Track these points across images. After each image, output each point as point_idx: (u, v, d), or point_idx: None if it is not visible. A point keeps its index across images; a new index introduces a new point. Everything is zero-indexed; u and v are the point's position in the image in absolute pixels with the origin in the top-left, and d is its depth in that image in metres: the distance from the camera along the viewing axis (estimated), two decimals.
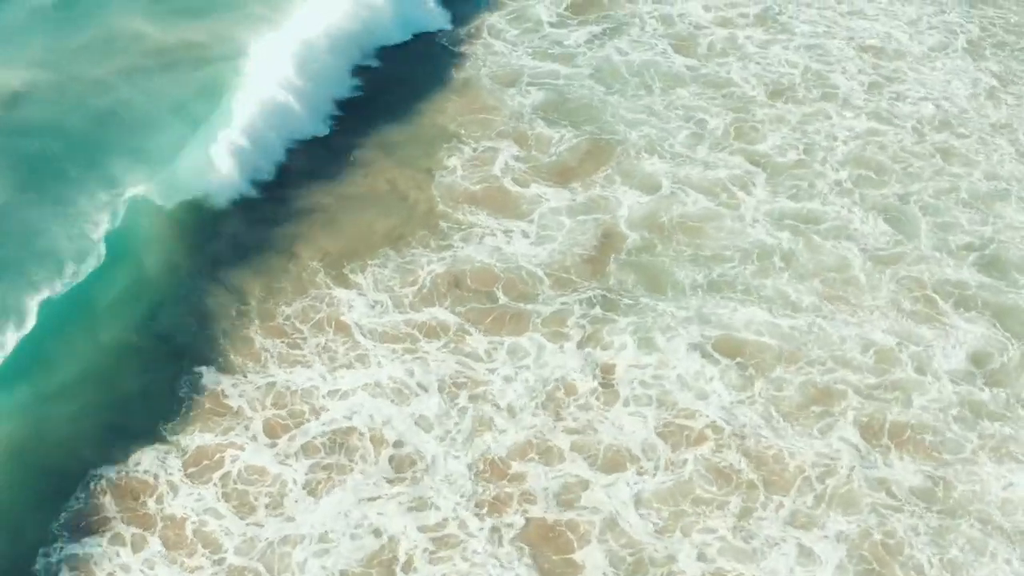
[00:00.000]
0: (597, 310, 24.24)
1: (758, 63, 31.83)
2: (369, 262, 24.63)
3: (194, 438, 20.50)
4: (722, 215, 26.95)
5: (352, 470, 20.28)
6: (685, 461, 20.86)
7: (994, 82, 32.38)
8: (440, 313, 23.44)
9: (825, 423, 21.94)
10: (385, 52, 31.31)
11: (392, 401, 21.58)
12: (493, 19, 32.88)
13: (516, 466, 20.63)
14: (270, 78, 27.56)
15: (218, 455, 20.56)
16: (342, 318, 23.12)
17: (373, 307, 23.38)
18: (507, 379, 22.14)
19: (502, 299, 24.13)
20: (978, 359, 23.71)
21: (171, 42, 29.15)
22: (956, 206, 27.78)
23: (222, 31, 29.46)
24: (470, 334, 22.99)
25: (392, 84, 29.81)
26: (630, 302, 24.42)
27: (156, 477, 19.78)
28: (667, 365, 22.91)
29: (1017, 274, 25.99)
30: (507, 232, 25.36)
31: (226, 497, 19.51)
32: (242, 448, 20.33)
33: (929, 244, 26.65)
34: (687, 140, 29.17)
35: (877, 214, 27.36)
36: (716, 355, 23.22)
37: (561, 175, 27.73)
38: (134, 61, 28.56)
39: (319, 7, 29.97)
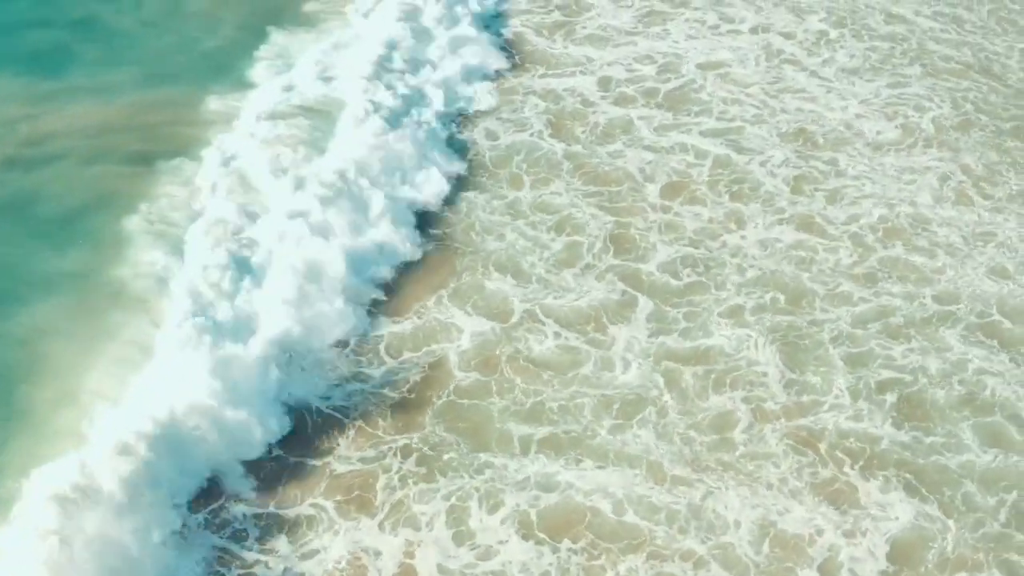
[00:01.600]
0: (406, 469, 19.80)
1: (656, 151, 26.82)
2: None
3: None
4: (584, 354, 22.57)
5: None
6: None
7: (964, 178, 28.24)
8: None
9: None
10: None
11: None
12: None
13: None
14: None
15: None
16: None
17: None
18: None
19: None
20: (905, 553, 19.15)
21: None
22: (883, 337, 23.48)
23: None
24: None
25: None
26: (450, 459, 20.14)
27: None
28: (486, 555, 18.48)
29: (946, 424, 21.54)
30: None
31: None
32: None
33: (842, 391, 22.17)
34: (554, 253, 24.95)
35: (781, 352, 22.90)
36: (549, 539, 18.83)
37: (389, 294, 23.55)
38: None
39: None
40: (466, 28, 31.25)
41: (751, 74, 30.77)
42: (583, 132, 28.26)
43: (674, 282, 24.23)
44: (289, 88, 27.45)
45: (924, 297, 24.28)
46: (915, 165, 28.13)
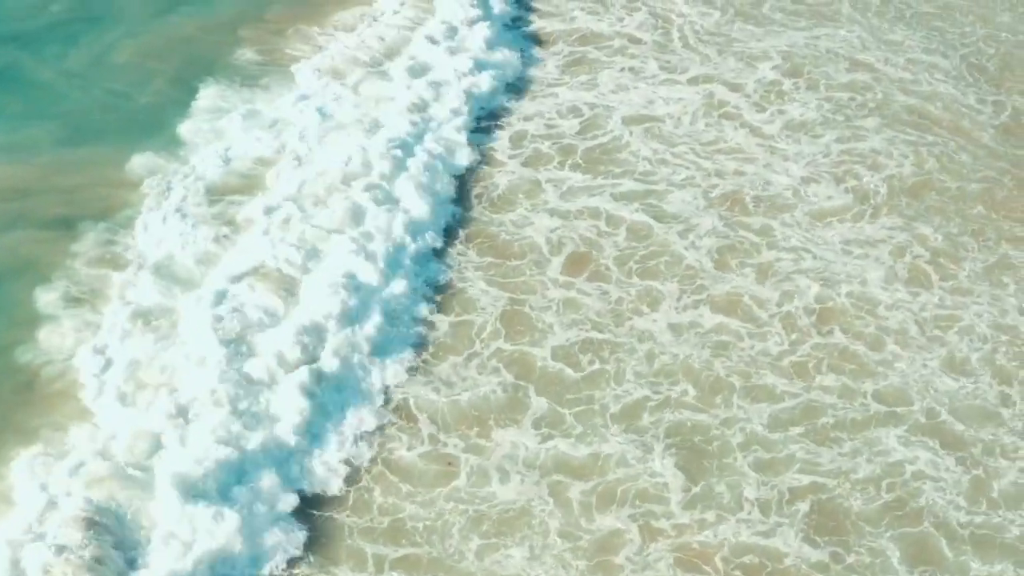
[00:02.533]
0: None
1: (564, 217, 25.72)
2: None
3: None
4: (460, 462, 20.51)
5: None
6: None
7: (922, 251, 25.76)
8: None
9: None
10: None
11: None
12: None
13: None
14: None
15: None
16: None
17: None
18: None
19: None
20: None
21: None
22: (807, 440, 21.09)
23: None
24: None
25: None
26: None
27: None
28: None
29: (867, 538, 19.35)
30: None
31: None
32: None
33: (751, 503, 19.85)
34: (439, 335, 23.05)
35: (683, 459, 20.51)
36: None
37: None
38: None
39: None
40: None
41: (685, 130, 28.39)
42: (484, 195, 25.71)
43: (571, 373, 21.87)
44: (223, 155, 26.02)
45: (864, 394, 21.94)
46: (864, 236, 25.81)
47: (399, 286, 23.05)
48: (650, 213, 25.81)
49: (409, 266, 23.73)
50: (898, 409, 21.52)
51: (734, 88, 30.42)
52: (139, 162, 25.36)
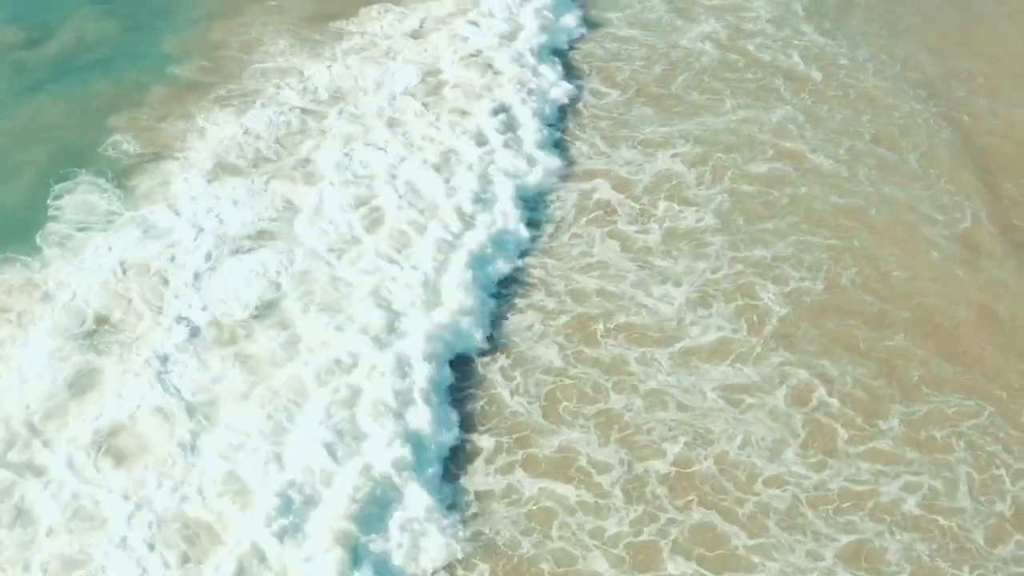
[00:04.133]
0: None
1: None
2: None
3: None
4: None
5: None
6: None
7: (827, 397, 21.67)
8: None
9: None
10: None
11: None
12: None
13: None
14: None
15: None
16: None
17: None
18: None
19: None
20: None
21: None
22: None
23: None
24: None
25: None
26: None
27: None
28: None
29: None
30: None
31: None
32: None
33: None
34: None
35: None
36: None
37: None
38: None
39: None
40: None
41: (543, 244, 25.35)
42: None
43: None
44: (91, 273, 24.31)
45: None
46: (751, 377, 22.02)
47: None
48: None
49: None
50: None
51: (620, 187, 26.89)
52: None
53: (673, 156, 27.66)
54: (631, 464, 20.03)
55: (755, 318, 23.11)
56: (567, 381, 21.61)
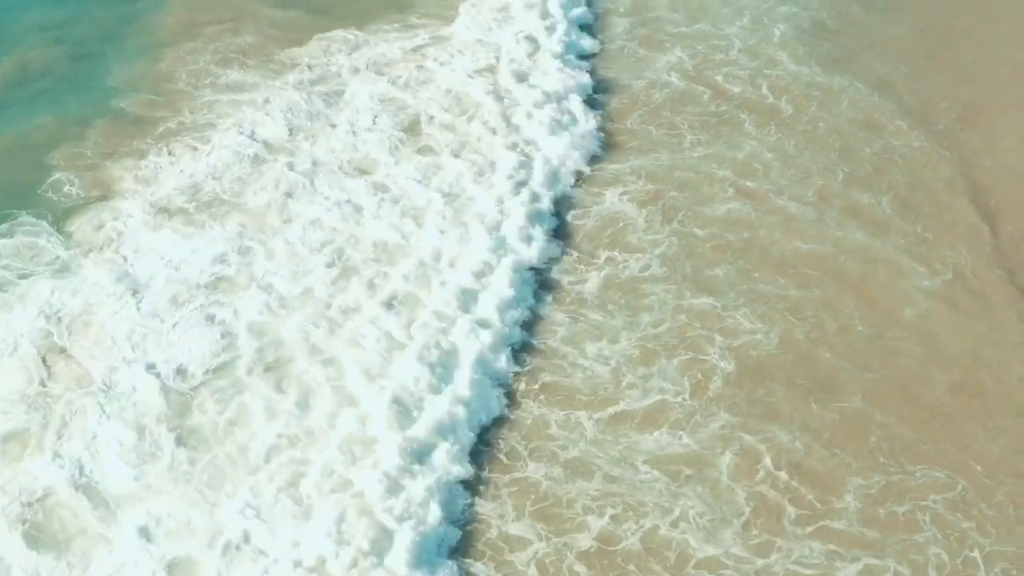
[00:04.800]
0: None
1: None
2: None
3: None
4: None
5: None
6: None
7: (777, 471, 19.94)
8: None
9: None
10: None
11: None
12: None
13: None
14: None
15: None
16: None
17: None
18: None
19: None
20: None
21: None
22: None
23: None
24: None
25: None
26: None
27: None
28: None
29: None
30: None
31: None
32: None
33: None
34: None
35: None
36: None
37: None
38: None
39: None
40: None
41: None
42: None
43: None
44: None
45: None
46: (688, 443, 20.26)
47: None
48: None
49: None
50: None
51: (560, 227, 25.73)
52: None
53: (622, 195, 25.93)
54: (548, 539, 18.45)
55: (699, 375, 21.52)
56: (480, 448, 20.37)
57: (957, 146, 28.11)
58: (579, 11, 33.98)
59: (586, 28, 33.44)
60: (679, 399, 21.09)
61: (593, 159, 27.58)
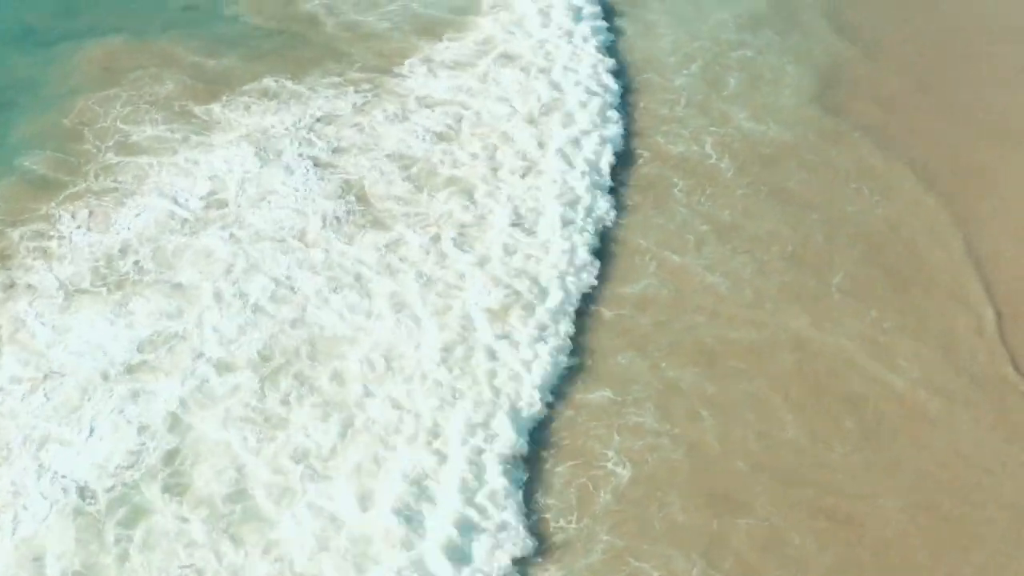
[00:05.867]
0: None
1: None
2: None
3: None
4: None
5: None
6: None
7: None
8: None
9: None
10: None
11: None
12: None
13: None
14: None
15: None
16: None
17: None
18: None
19: None
20: None
21: None
22: None
23: None
24: None
25: None
26: None
27: None
28: None
29: None
30: None
31: None
32: None
33: None
34: None
35: None
36: None
37: None
38: None
39: None
40: None
41: None
42: None
43: None
44: None
45: None
46: None
47: None
48: None
49: None
50: None
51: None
52: None
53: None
54: None
55: (590, 487, 18.97)
56: None
57: (927, 214, 25.61)
58: None
59: None
60: (560, 522, 18.56)
61: None
